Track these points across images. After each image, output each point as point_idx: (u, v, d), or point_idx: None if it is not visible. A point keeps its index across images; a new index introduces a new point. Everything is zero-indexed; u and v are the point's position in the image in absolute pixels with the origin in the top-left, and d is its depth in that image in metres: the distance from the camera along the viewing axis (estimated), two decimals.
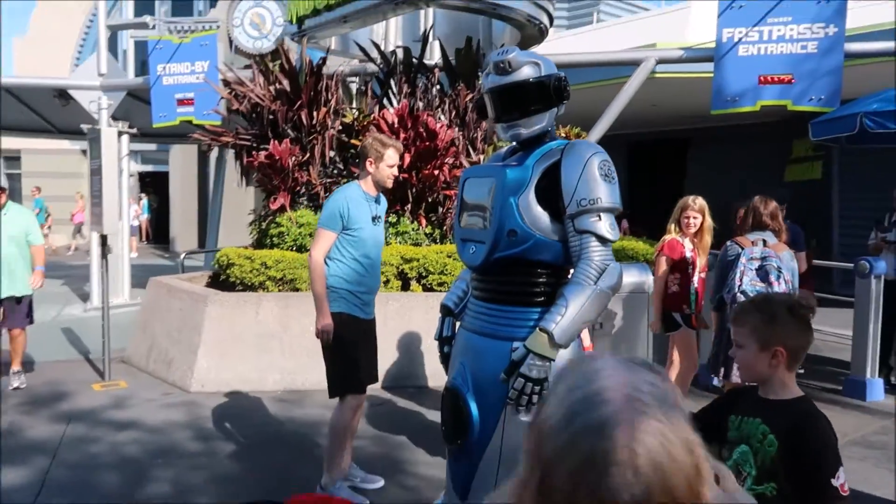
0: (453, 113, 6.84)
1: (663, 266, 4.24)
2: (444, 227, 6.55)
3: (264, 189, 6.84)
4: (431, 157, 6.22)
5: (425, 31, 7.96)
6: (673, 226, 4.33)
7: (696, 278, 4.33)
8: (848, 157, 10.48)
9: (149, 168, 21.50)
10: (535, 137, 2.30)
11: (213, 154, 17.54)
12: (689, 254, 4.29)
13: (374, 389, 5.69)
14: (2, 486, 3.75)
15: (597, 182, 2.15)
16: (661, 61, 6.83)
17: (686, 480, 0.64)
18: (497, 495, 0.80)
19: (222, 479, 3.91)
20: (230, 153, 12.68)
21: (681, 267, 4.27)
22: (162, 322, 6.30)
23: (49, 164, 21.47)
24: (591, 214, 2.15)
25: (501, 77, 2.25)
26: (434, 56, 7.55)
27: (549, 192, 2.20)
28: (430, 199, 6.55)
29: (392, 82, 7.06)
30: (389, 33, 8.09)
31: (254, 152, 6.34)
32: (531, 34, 7.24)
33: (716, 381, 4.18)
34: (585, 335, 3.53)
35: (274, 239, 6.44)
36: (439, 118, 6.63)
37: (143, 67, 17.60)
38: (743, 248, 3.84)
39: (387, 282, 6.11)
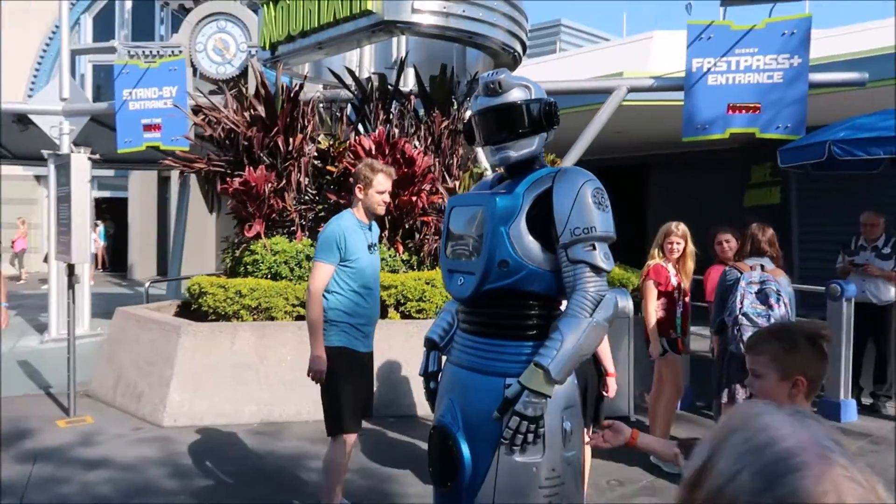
0: (429, 140, 6.84)
1: (653, 290, 4.27)
2: (422, 254, 6.50)
3: (237, 216, 6.71)
4: (409, 183, 6.20)
5: (399, 58, 7.99)
6: (657, 251, 4.37)
7: (680, 303, 4.38)
8: (805, 183, 10.80)
9: (105, 194, 20.97)
10: (523, 163, 2.25)
11: (176, 180, 17.28)
12: (673, 279, 4.34)
13: None
14: None
15: (591, 210, 2.09)
16: (632, 90, 6.97)
17: None
18: None
19: None
20: (193, 179, 12.50)
21: (666, 292, 4.31)
22: (130, 354, 6.08)
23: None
24: (585, 244, 2.08)
25: (491, 98, 2.21)
26: (408, 83, 7.56)
27: (541, 221, 2.14)
28: (406, 226, 6.51)
29: (367, 109, 7.04)
30: (364, 60, 8.09)
31: (228, 179, 6.22)
32: (505, 62, 7.31)
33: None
34: (609, 362, 3.51)
35: (248, 267, 6.30)
36: (415, 145, 6.62)
37: (98, 92, 17.32)
38: (742, 273, 3.90)
39: None
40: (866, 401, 5.89)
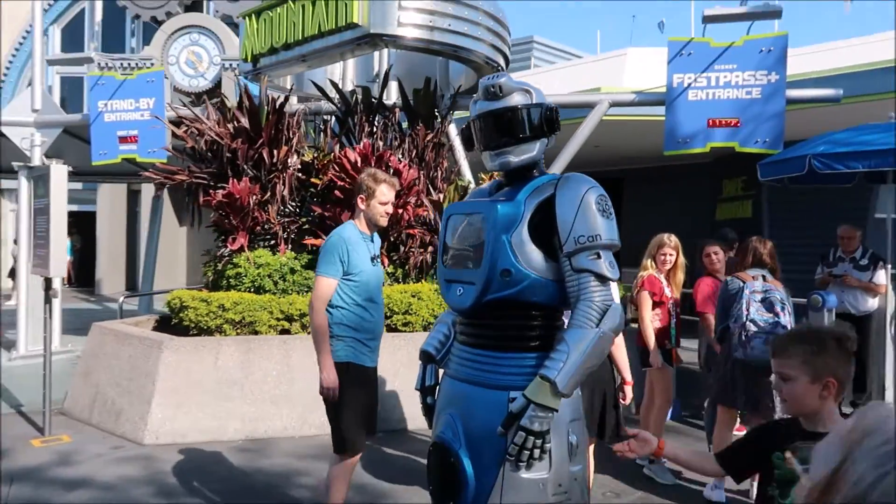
0: (413, 153, 6.83)
1: (649, 301, 4.30)
2: (407, 267, 6.47)
3: (218, 229, 6.61)
4: (395, 196, 6.16)
5: (382, 71, 7.99)
6: (649, 262, 4.41)
7: (674, 314, 4.42)
8: (776, 196, 11.03)
9: (73, 207, 20.49)
10: (523, 169, 2.20)
11: (147, 193, 16.98)
12: (667, 290, 4.38)
13: None
14: None
15: (595, 218, 2.04)
16: (614, 104, 7.06)
17: None
18: None
19: None
20: (166, 192, 12.28)
21: (660, 303, 4.34)
22: (108, 370, 5.91)
23: None
24: (589, 252, 2.03)
25: (491, 102, 2.16)
26: (391, 96, 7.56)
27: (543, 229, 2.08)
28: (392, 238, 6.47)
29: (350, 121, 7.01)
30: (347, 73, 8.07)
31: (211, 191, 6.12)
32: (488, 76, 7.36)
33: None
34: (626, 370, 3.52)
35: (231, 280, 6.19)
36: (400, 158, 6.61)
37: (64, 104, 16.97)
38: (745, 282, 3.97)
39: None
40: (847, 409, 5.99)
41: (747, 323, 3.88)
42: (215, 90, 15.47)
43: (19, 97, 9.55)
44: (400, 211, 6.22)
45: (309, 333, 5.97)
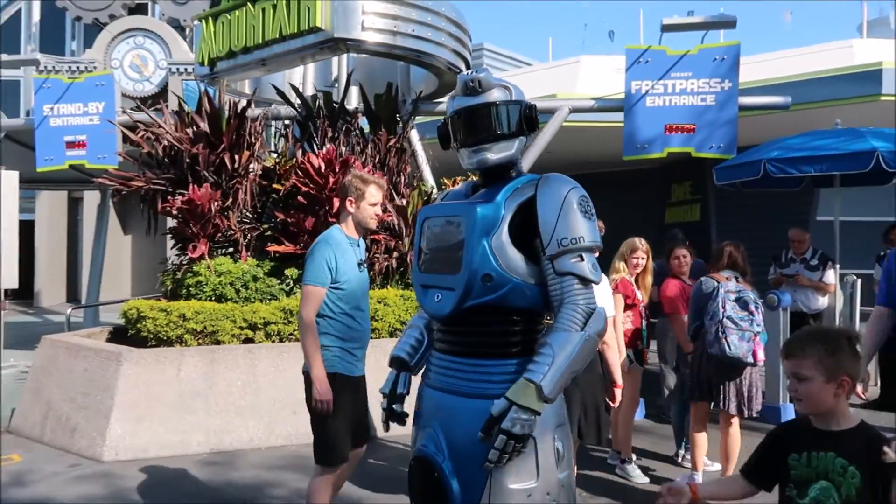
0: (376, 158, 6.79)
1: (622, 303, 4.37)
2: (372, 273, 6.41)
3: (175, 236, 6.43)
4: None
5: (341, 75, 7.93)
6: (621, 265, 4.49)
7: (644, 316, 4.52)
8: (723, 200, 11.42)
9: None
10: (500, 168, 2.13)
11: (89, 201, 16.38)
12: (638, 293, 4.47)
13: (309, 445, 5.40)
14: None
15: (577, 219, 1.98)
16: (574, 110, 7.18)
17: None
18: None
19: None
20: (109, 199, 11.88)
21: (632, 305, 4.42)
22: (60, 385, 5.66)
23: None
24: (572, 255, 1.97)
25: (470, 98, 2.10)
26: (352, 101, 7.50)
27: (524, 231, 2.01)
28: None
29: (312, 126, 6.93)
30: (307, 77, 7.98)
31: (170, 197, 5.95)
32: (449, 81, 7.38)
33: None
34: (618, 373, 3.55)
35: (191, 289, 6.02)
36: (364, 163, 6.56)
37: None
38: (719, 283, 4.08)
39: None
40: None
41: (724, 320, 3.99)
42: (162, 95, 15.09)
43: None
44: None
45: (273, 342, 5.86)
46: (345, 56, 7.89)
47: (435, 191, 6.98)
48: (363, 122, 7.26)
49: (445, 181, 7.11)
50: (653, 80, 6.71)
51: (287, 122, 7.29)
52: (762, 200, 9.63)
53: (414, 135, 7.29)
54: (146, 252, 16.96)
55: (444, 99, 7.81)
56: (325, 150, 6.23)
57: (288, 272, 6.20)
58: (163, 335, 5.67)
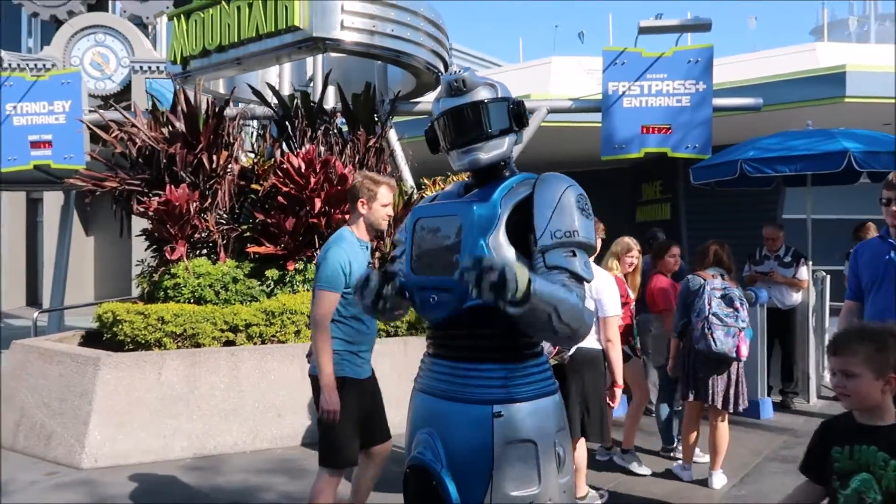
0: (356, 158, 6.74)
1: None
2: None
3: (149, 238, 6.30)
4: (342, 201, 6.07)
5: (317, 75, 7.86)
6: (614, 263, 4.56)
7: (633, 313, 4.60)
8: (693, 199, 11.64)
9: None
10: (492, 168, 2.08)
11: (51, 202, 15.92)
12: (630, 291, 4.55)
13: (295, 448, 5.36)
14: None
15: (574, 214, 1.93)
16: (552, 110, 7.24)
17: None
18: None
19: None
20: (73, 201, 11.58)
21: (625, 303, 4.49)
22: (34, 391, 5.49)
23: None
24: (565, 249, 1.90)
25: (455, 98, 2.05)
26: (328, 101, 7.44)
27: (520, 230, 1.96)
28: None
29: (288, 125, 6.85)
30: (284, 77, 7.89)
31: (146, 198, 5.82)
32: (427, 81, 7.38)
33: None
34: (619, 373, 3.59)
35: (169, 291, 5.90)
36: (343, 163, 6.51)
37: None
38: (706, 280, 4.16)
39: (298, 332, 5.82)
40: (775, 398, 6.36)
41: (710, 317, 4.08)
42: (124, 94, 14.75)
43: None
44: (347, 217, 6.12)
45: (255, 344, 5.78)
46: (320, 56, 7.82)
47: (415, 191, 6.97)
48: (340, 122, 7.20)
49: (425, 181, 7.10)
50: (629, 81, 6.81)
51: (265, 121, 7.19)
52: (731, 199, 9.84)
53: (392, 135, 7.26)
54: (110, 254, 16.56)
55: (422, 99, 7.80)
56: (305, 150, 6.17)
57: (268, 273, 6.12)
58: (141, 339, 5.55)
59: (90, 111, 7.94)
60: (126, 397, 5.11)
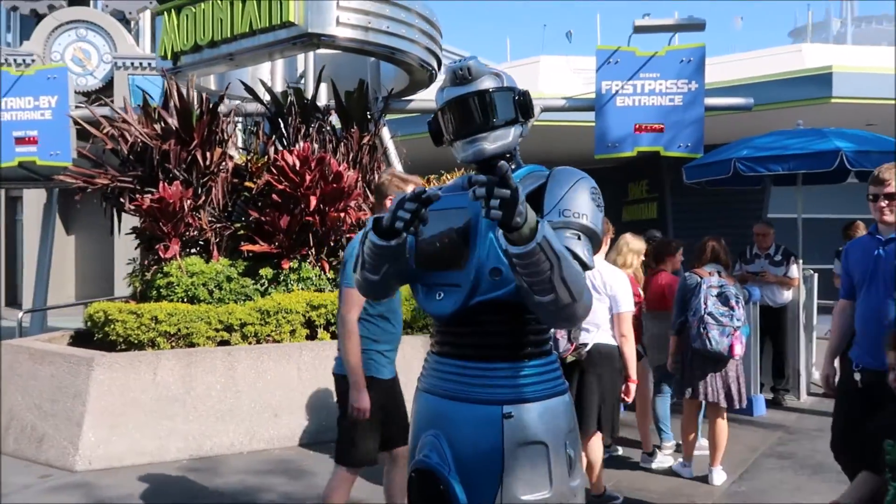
0: (349, 155, 6.70)
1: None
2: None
3: (140, 236, 6.21)
4: (337, 199, 6.03)
5: (308, 71, 7.79)
6: (636, 260, 4.59)
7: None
8: (679, 198, 11.74)
9: None
10: (498, 160, 1.86)
11: (31, 200, 15.63)
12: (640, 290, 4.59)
13: (292, 449, 5.32)
14: None
15: (585, 200, 1.87)
16: (545, 109, 7.25)
17: None
18: None
19: None
20: (55, 199, 11.39)
21: (637, 302, 4.52)
22: (24, 393, 5.39)
23: None
24: (570, 230, 1.82)
25: (460, 87, 1.98)
26: (321, 98, 7.38)
27: None
28: (331, 243, 6.32)
29: (281, 122, 6.79)
30: (276, 73, 7.82)
31: (139, 195, 5.73)
32: (420, 79, 7.35)
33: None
34: (633, 368, 3.60)
35: (161, 290, 5.82)
36: (339, 161, 6.46)
37: None
38: (702, 278, 4.18)
39: (293, 331, 5.78)
40: (767, 395, 6.44)
41: (705, 316, 4.11)
42: (107, 90, 14.52)
43: None
44: (342, 215, 6.09)
45: (251, 343, 5.72)
46: (311, 52, 7.76)
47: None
48: (333, 119, 7.15)
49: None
50: (622, 80, 6.84)
51: (257, 118, 7.12)
52: (717, 198, 9.94)
53: (385, 132, 7.23)
54: (91, 254, 16.31)
55: (416, 97, 7.77)
56: (299, 147, 6.11)
57: (262, 272, 6.07)
58: (134, 338, 5.47)
59: (77, 106, 7.81)
60: (120, 398, 5.03)
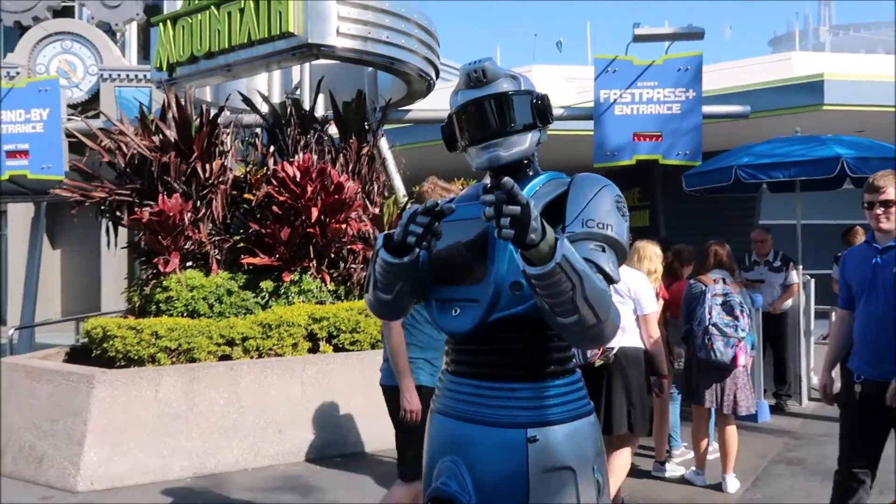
0: (348, 166, 6.66)
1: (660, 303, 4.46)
2: (350, 283, 6.27)
3: (136, 250, 6.12)
4: (338, 210, 5.98)
5: (303, 82, 7.75)
6: (659, 267, 4.50)
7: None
8: (671, 206, 11.80)
9: None
10: (515, 167, 1.90)
11: (17, 214, 15.40)
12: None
13: (298, 464, 5.23)
14: None
15: (610, 209, 1.77)
16: None
17: None
18: None
19: None
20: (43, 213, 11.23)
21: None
22: (22, 412, 5.27)
23: None
24: (594, 241, 1.73)
25: (475, 91, 1.87)
26: (318, 109, 7.34)
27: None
28: (332, 255, 6.26)
29: (279, 133, 6.73)
30: (273, 84, 7.77)
31: (137, 209, 5.64)
32: (418, 88, 7.34)
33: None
34: (664, 365, 3.63)
35: (161, 305, 5.73)
36: (339, 171, 6.42)
37: None
38: (707, 286, 4.15)
39: (295, 344, 5.70)
40: (770, 401, 6.44)
41: (710, 327, 4.09)
42: (93, 102, 14.37)
43: None
44: (343, 226, 6.04)
45: (253, 358, 5.64)
46: (306, 63, 7.73)
47: (406, 199, 6.91)
48: (331, 129, 7.12)
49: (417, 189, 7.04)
50: (620, 88, 6.87)
51: (257, 129, 7.06)
52: (709, 206, 9.98)
53: (384, 142, 7.20)
54: (77, 268, 16.08)
55: (413, 106, 7.74)
56: (300, 158, 6.06)
57: (263, 285, 6.00)
58: (133, 354, 5.36)
59: (69, 118, 7.71)
60: (122, 416, 4.93)
